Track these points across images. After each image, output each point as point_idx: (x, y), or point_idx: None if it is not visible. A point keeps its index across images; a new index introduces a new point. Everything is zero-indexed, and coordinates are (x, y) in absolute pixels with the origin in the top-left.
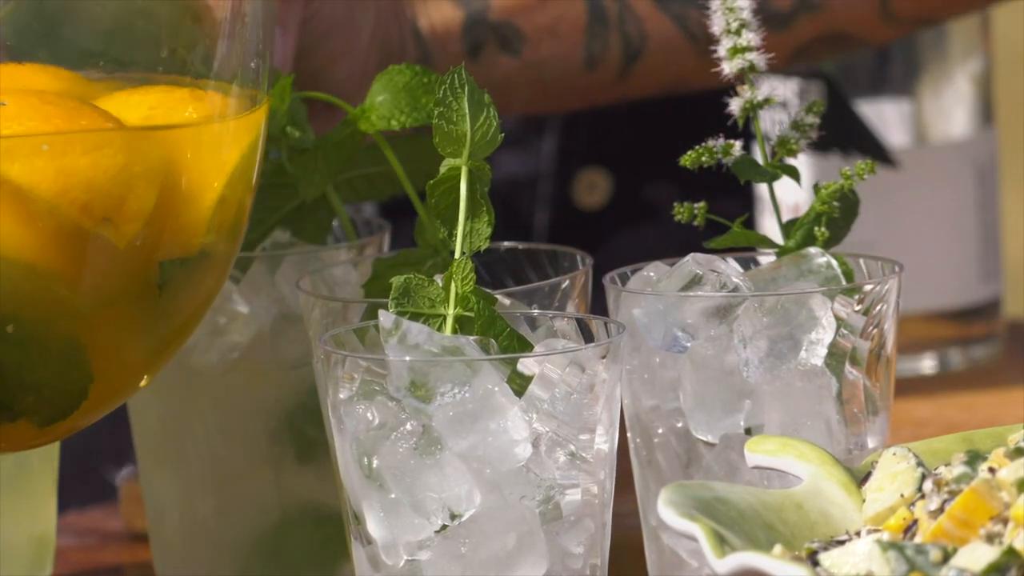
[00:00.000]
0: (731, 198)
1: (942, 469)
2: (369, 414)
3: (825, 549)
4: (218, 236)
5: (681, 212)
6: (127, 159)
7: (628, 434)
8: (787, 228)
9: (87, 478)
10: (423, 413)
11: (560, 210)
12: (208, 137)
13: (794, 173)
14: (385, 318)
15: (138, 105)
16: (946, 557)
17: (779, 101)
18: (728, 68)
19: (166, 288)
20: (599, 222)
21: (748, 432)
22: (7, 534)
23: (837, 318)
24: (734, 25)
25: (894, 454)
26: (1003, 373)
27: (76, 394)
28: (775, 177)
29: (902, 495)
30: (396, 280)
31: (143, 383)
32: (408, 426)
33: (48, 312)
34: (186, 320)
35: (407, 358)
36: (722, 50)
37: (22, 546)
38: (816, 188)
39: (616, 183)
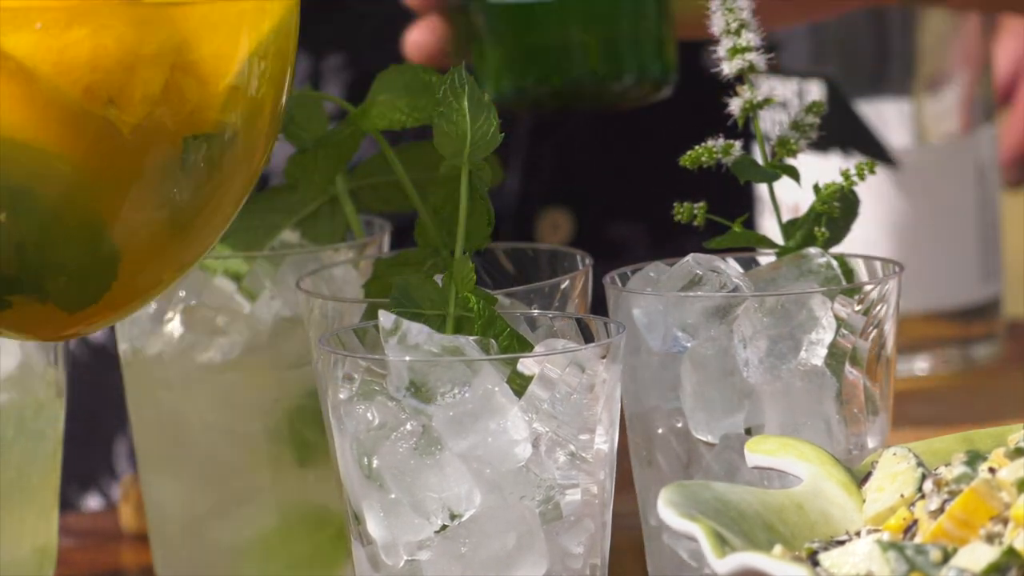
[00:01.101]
0: (697, 236)
1: (942, 469)
2: (369, 414)
3: (825, 549)
4: (240, 115)
5: (681, 212)
6: (134, 38)
7: (628, 434)
8: (787, 228)
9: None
10: (423, 413)
11: None
12: (224, 15)
13: (794, 173)
14: (385, 318)
15: None
16: (946, 557)
17: (779, 101)
18: (728, 68)
19: (189, 165)
20: None
21: (748, 432)
22: (9, 546)
23: (837, 318)
24: (734, 25)
25: (894, 454)
26: (1003, 373)
27: (104, 273)
28: (775, 177)
29: (902, 495)
30: (396, 280)
31: (177, 275)
32: (408, 426)
33: (62, 191)
34: (215, 202)
35: (407, 358)
36: (722, 50)
37: (24, 558)
38: (816, 188)
39: (578, 222)
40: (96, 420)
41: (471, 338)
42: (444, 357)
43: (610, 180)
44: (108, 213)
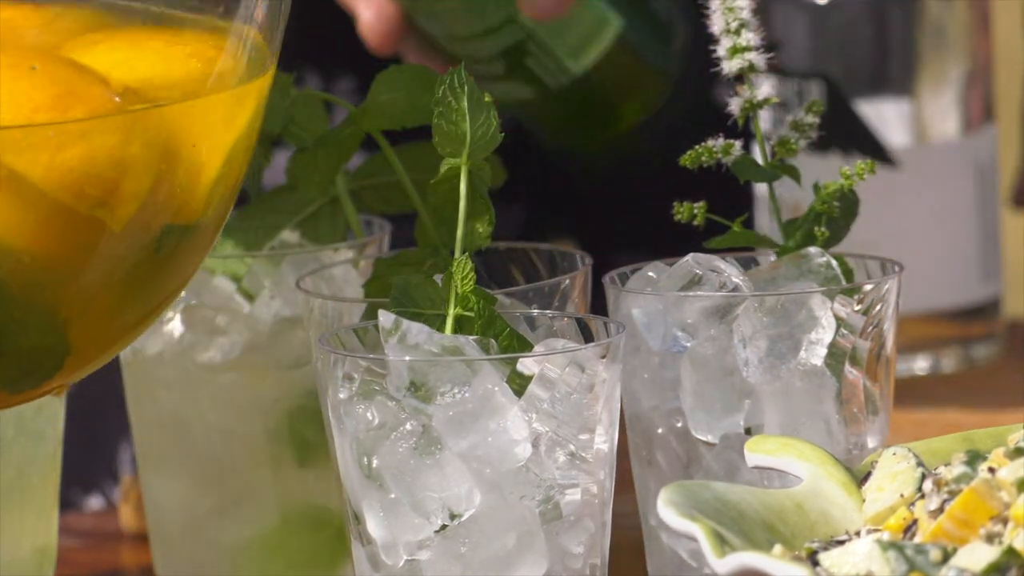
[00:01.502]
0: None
1: (942, 469)
2: (369, 414)
3: (825, 549)
4: (217, 205)
5: (681, 212)
6: (123, 141)
7: (628, 434)
8: (787, 228)
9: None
10: (423, 413)
11: None
12: (210, 110)
13: (794, 173)
14: (385, 318)
15: (136, 63)
16: (946, 557)
17: (779, 101)
18: (728, 68)
19: (162, 252)
20: None
21: (748, 432)
22: (9, 546)
23: (837, 318)
24: (734, 25)
25: (894, 454)
26: (1003, 373)
27: (51, 365)
28: (775, 177)
29: (902, 495)
30: (396, 280)
31: (129, 342)
32: (408, 426)
33: (37, 291)
34: (177, 287)
35: (407, 358)
36: (722, 50)
37: (24, 558)
38: (816, 188)
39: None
40: (99, 422)
41: (471, 338)
42: (444, 357)
43: (616, 210)
44: (69, 302)
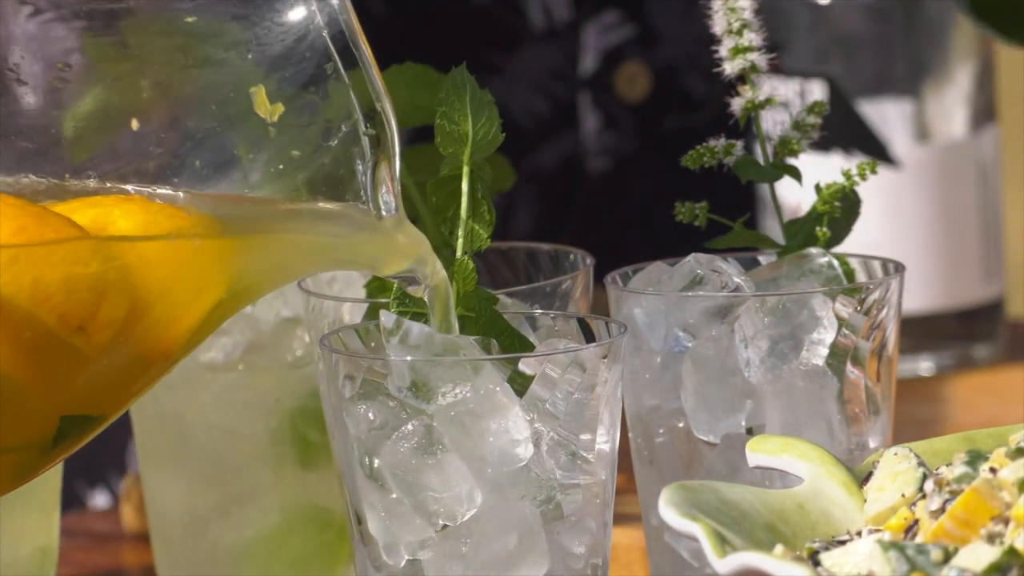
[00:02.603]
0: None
1: (943, 469)
2: (370, 414)
3: (826, 549)
4: (193, 345)
5: (682, 212)
6: (101, 267)
7: (629, 434)
8: (788, 228)
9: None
10: (424, 413)
11: None
12: (186, 256)
13: (795, 173)
14: (387, 318)
15: (116, 219)
16: (947, 557)
17: (780, 101)
18: (729, 68)
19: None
20: None
21: (749, 432)
22: (9, 546)
23: (838, 318)
24: (735, 25)
25: (895, 454)
26: (1004, 373)
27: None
28: (776, 177)
29: (903, 495)
30: (397, 280)
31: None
32: (409, 426)
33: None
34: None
35: (408, 358)
36: (723, 50)
37: (25, 558)
38: (817, 188)
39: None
40: None
41: (472, 338)
42: (445, 357)
43: (630, 225)
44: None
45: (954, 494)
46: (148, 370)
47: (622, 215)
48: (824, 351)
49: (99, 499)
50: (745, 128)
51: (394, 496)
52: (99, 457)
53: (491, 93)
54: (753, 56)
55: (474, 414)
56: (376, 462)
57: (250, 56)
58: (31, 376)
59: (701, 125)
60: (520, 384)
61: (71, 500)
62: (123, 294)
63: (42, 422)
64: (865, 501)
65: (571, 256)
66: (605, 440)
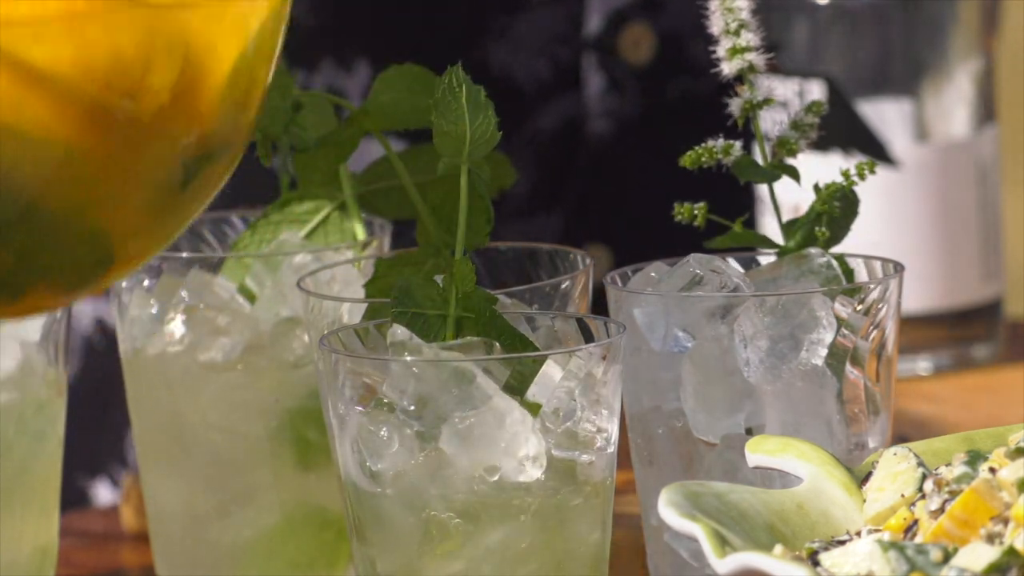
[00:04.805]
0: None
1: (943, 469)
2: (369, 414)
3: (826, 549)
4: (234, 108)
5: (681, 212)
6: (146, 36)
7: (629, 434)
8: (787, 228)
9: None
10: (423, 416)
11: None
12: (232, 11)
13: (794, 173)
14: (401, 332)
15: None
16: (947, 557)
17: (779, 101)
18: (727, 68)
19: (189, 185)
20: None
21: (749, 432)
22: (9, 546)
23: (838, 318)
24: (733, 25)
25: (895, 454)
26: (1003, 373)
27: (90, 277)
28: (775, 177)
29: (903, 495)
30: (397, 280)
31: (166, 244)
32: (409, 428)
33: (77, 197)
34: (202, 206)
35: (408, 357)
36: (721, 50)
37: (25, 558)
38: (816, 188)
39: (616, 259)
40: (109, 408)
41: (474, 345)
42: (446, 360)
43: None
44: (112, 224)
45: (953, 494)
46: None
47: (623, 179)
48: (823, 351)
49: (101, 490)
50: (744, 128)
51: (394, 497)
52: (98, 449)
53: (494, 56)
54: (751, 56)
55: (472, 414)
56: (376, 464)
57: None
58: (87, 145)
59: (706, 91)
60: (519, 384)
61: (74, 495)
62: (172, 60)
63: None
64: (864, 501)
65: (571, 256)
66: (604, 440)
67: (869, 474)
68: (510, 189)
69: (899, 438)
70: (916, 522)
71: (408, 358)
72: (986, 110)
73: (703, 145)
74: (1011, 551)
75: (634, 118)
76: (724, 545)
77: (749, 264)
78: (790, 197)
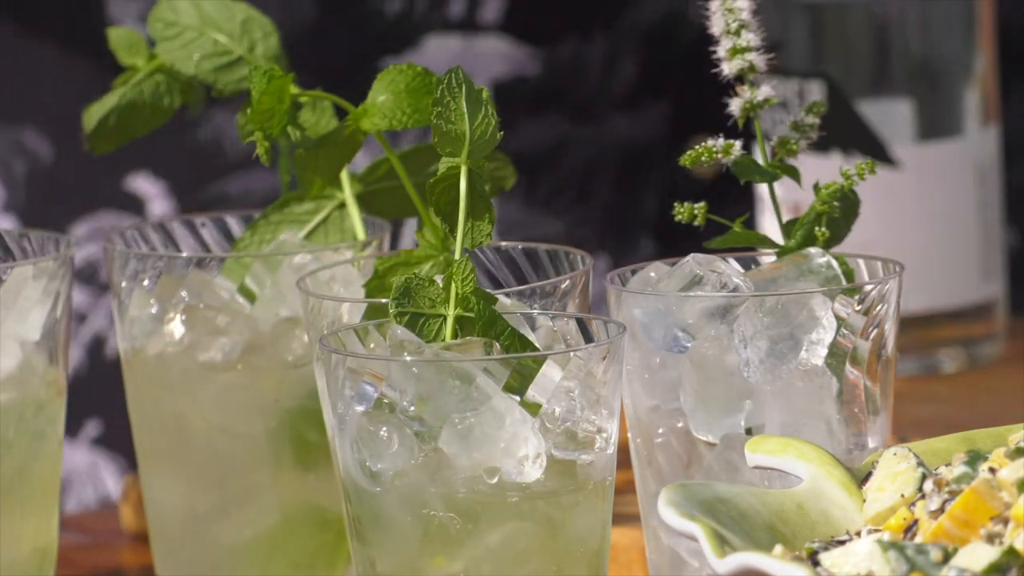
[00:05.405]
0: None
1: (943, 469)
2: (369, 415)
3: (826, 549)
4: None
5: (681, 212)
6: None
7: (629, 434)
8: (787, 228)
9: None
10: (422, 417)
11: None
12: None
13: (794, 173)
14: (402, 333)
15: None
16: (947, 557)
17: (779, 101)
18: (728, 69)
19: None
20: None
21: (749, 432)
22: (9, 546)
23: (838, 318)
24: (733, 26)
25: (895, 454)
26: (1003, 373)
27: None
28: (775, 177)
29: (903, 495)
30: (396, 280)
31: None
32: (408, 428)
33: None
34: None
35: (414, 369)
36: (722, 51)
37: (24, 558)
38: (816, 188)
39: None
40: None
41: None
42: (446, 360)
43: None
44: None
45: (953, 494)
46: None
47: None
48: (823, 351)
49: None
50: (744, 128)
51: (394, 497)
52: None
53: None
54: (751, 56)
55: (471, 415)
56: (376, 464)
57: None
58: None
59: None
60: (519, 384)
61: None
62: None
63: None
64: (864, 501)
65: (571, 256)
66: (604, 440)
67: (869, 474)
68: (614, 76)
69: (899, 438)
70: (916, 522)
71: (408, 358)
72: (985, 110)
73: (703, 145)
74: (1011, 551)
75: None
76: (724, 545)
77: (749, 264)
78: (790, 197)
